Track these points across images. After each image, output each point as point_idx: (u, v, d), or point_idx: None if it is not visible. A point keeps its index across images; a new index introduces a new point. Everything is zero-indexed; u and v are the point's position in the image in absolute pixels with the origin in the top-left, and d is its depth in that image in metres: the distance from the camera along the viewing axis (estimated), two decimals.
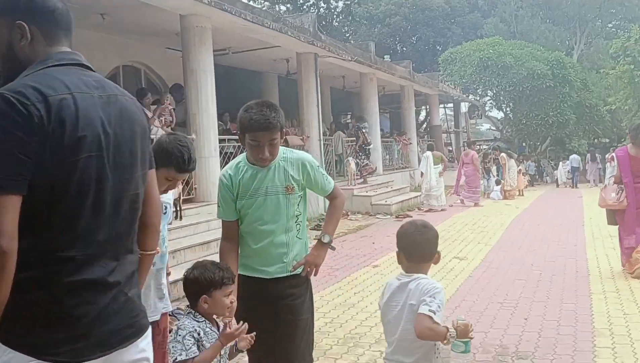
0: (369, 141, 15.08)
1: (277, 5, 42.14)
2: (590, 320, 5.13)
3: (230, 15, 9.23)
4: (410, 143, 20.54)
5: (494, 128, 34.48)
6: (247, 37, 11.43)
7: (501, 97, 29.00)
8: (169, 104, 9.51)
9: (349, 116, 20.47)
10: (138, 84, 13.03)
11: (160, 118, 9.12)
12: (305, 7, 42.19)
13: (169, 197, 3.20)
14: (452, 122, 31.42)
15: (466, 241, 9.60)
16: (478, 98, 30.40)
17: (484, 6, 35.47)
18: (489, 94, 29.45)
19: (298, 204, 2.98)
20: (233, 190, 2.95)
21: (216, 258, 2.95)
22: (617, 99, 23.78)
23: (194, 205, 9.27)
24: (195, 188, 9.43)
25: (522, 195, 18.57)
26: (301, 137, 12.94)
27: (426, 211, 13.93)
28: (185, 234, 8.04)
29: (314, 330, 3.14)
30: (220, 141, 10.34)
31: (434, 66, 30.41)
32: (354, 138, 15.85)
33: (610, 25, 36.20)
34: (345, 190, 13.79)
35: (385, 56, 31.52)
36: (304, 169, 2.98)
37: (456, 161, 27.79)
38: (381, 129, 20.29)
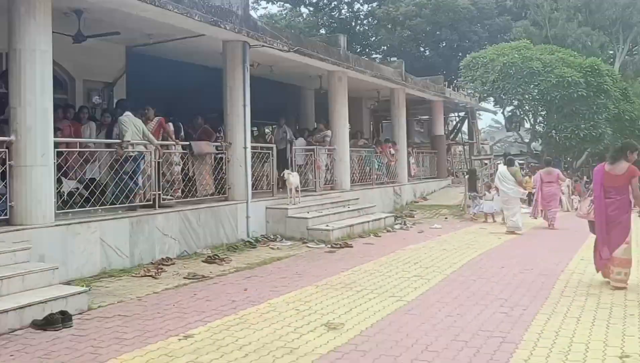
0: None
1: (297, 8, 40.16)
2: None
3: None
4: (395, 152, 17.57)
5: (520, 141, 30.99)
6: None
7: (527, 107, 25.99)
8: None
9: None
10: None
11: None
12: (327, 9, 39.96)
13: None
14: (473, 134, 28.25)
15: (376, 292, 6.84)
16: (500, 107, 27.33)
17: (514, 8, 32.11)
18: (514, 103, 26.42)
19: None
20: None
21: None
22: None
23: None
24: None
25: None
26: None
27: (422, 233, 11.21)
28: None
29: None
30: None
31: (458, 72, 27.61)
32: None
33: None
34: (281, 210, 11.25)
35: (392, 58, 28.94)
36: None
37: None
38: (389, 141, 17.93)
